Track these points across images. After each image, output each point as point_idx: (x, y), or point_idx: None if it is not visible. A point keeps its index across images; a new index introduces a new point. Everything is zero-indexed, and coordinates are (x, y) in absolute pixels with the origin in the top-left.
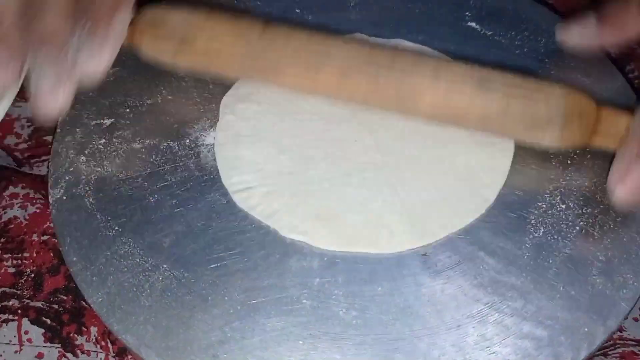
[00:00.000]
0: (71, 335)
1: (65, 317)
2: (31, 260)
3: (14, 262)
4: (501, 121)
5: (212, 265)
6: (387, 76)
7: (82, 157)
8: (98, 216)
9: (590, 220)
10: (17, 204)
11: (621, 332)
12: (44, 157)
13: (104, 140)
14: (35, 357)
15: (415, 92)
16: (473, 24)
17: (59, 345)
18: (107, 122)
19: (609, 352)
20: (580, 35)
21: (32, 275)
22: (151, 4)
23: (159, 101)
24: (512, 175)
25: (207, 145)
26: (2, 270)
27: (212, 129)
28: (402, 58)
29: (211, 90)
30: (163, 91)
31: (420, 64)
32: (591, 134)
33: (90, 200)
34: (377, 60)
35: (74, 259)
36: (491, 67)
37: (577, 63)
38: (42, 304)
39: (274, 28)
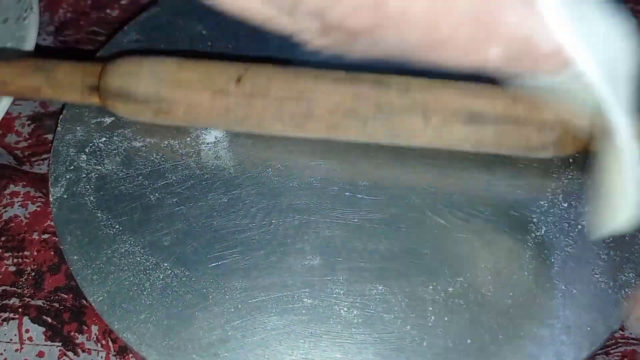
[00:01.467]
0: (72, 333)
1: (66, 315)
2: (32, 259)
3: (15, 260)
4: (494, 149)
5: (212, 264)
6: (375, 120)
7: (83, 156)
8: (99, 214)
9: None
10: (17, 202)
11: (623, 331)
12: (44, 156)
13: (104, 139)
14: (36, 355)
15: (406, 135)
16: None
17: (60, 344)
18: (108, 120)
19: (611, 351)
20: None
21: (33, 273)
22: (114, 59)
23: None
24: (513, 173)
25: (208, 143)
26: (3, 269)
27: (213, 128)
28: (388, 97)
29: None
30: None
31: (408, 102)
32: (587, 143)
33: (91, 198)
34: (364, 106)
35: (75, 257)
36: (483, 87)
37: None
38: (42, 303)
39: (251, 75)
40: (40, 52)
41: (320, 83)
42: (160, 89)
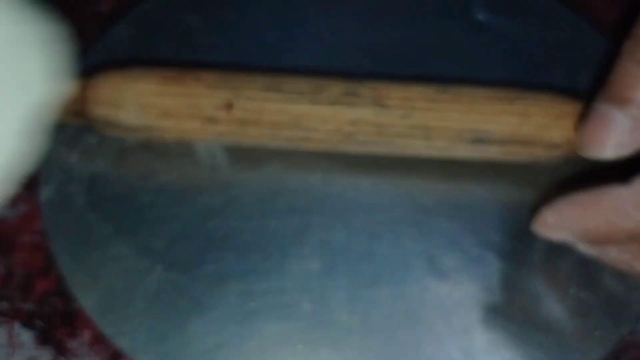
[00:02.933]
0: (63, 338)
1: (57, 320)
2: (21, 262)
3: (4, 262)
4: (497, 165)
5: (208, 268)
6: (376, 144)
7: (74, 155)
8: (90, 216)
9: None
10: (6, 202)
11: (633, 336)
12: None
13: (96, 138)
14: None
15: (408, 153)
16: (481, 15)
17: (51, 349)
18: None
19: (621, 357)
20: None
21: (23, 276)
22: (93, 83)
23: None
24: (522, 175)
25: (202, 143)
26: None
27: None
28: (389, 119)
29: None
30: None
31: (410, 123)
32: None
33: (82, 199)
34: (364, 131)
35: (65, 260)
36: (488, 101)
37: (587, 55)
38: (33, 307)
39: (241, 100)
40: None
41: (316, 107)
42: (147, 120)
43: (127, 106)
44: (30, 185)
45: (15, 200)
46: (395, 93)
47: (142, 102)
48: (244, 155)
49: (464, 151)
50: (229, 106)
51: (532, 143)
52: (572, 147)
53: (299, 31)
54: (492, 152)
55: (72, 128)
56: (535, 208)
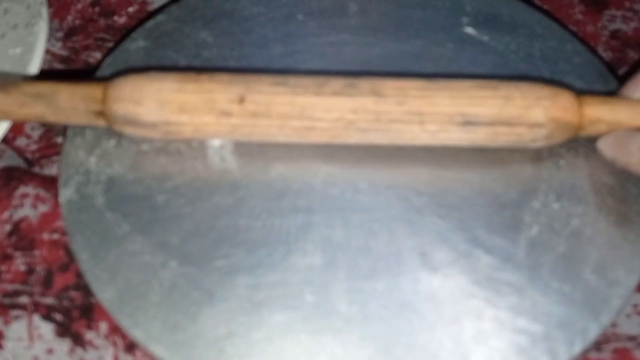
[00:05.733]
0: (81, 330)
1: (75, 313)
2: (42, 258)
3: (25, 259)
4: (488, 145)
5: (218, 262)
6: (375, 131)
7: (92, 158)
8: (108, 215)
9: (583, 219)
10: (28, 203)
11: (614, 328)
12: (54, 158)
13: (113, 142)
14: (46, 352)
15: (404, 139)
16: (470, 30)
17: (69, 341)
18: None
19: (603, 347)
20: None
21: (43, 272)
22: (115, 82)
23: None
24: (506, 175)
25: (213, 147)
26: (14, 268)
27: None
28: (386, 107)
29: None
30: None
31: (405, 109)
32: (577, 132)
33: (101, 199)
34: (364, 119)
35: (85, 256)
36: (476, 88)
37: (572, 67)
38: (52, 301)
39: (252, 94)
40: (43, 70)
41: (320, 98)
42: (166, 115)
43: (146, 102)
44: (51, 186)
45: (36, 201)
46: (390, 84)
47: (161, 98)
48: (252, 159)
49: (455, 134)
50: (241, 100)
51: (517, 123)
52: (553, 126)
53: (301, 45)
54: (481, 134)
55: (91, 133)
56: (518, 206)
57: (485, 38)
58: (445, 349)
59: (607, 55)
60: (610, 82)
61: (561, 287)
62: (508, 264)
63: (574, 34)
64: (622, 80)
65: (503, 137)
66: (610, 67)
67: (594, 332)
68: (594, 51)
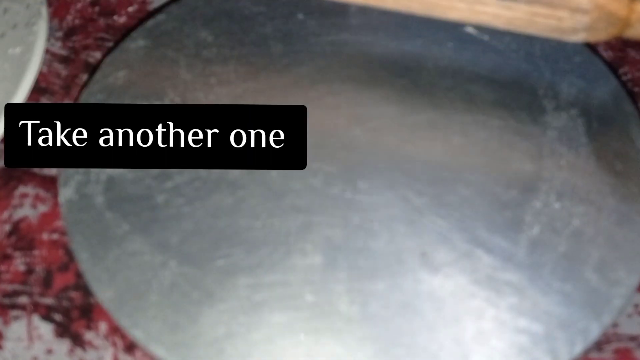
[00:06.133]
0: (80, 330)
1: (75, 313)
2: (41, 258)
3: (25, 259)
4: (525, 28)
5: (218, 262)
6: None
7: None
8: (108, 215)
9: (585, 219)
10: (27, 203)
11: (615, 328)
12: None
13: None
14: (45, 352)
15: (441, 6)
16: (470, 29)
17: (69, 341)
18: None
19: (604, 347)
20: None
21: (43, 272)
22: None
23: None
24: (507, 175)
25: None
26: (13, 268)
27: None
28: None
29: (217, 93)
30: (170, 94)
31: None
32: (623, 28)
33: (100, 199)
34: None
35: (84, 256)
36: None
37: (572, 67)
38: (52, 301)
39: None
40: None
41: None
42: None
43: None
44: (50, 186)
45: (35, 201)
46: None
47: None
48: None
49: (492, 7)
50: None
51: (558, 5)
52: (598, 15)
53: (301, 44)
54: (518, 13)
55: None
56: (519, 206)
57: (486, 37)
58: (446, 349)
59: (607, 54)
60: (610, 80)
61: (562, 287)
62: (509, 264)
63: None
64: (622, 77)
65: (541, 19)
66: (611, 66)
67: (595, 332)
68: (594, 50)
